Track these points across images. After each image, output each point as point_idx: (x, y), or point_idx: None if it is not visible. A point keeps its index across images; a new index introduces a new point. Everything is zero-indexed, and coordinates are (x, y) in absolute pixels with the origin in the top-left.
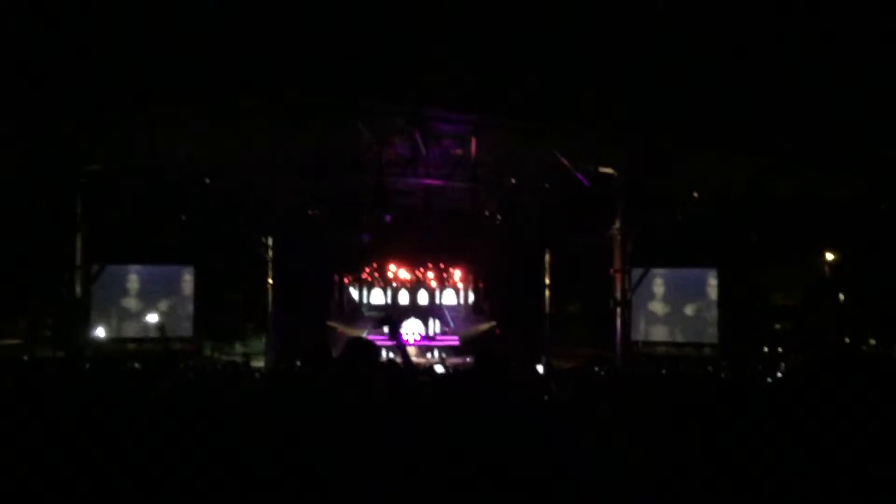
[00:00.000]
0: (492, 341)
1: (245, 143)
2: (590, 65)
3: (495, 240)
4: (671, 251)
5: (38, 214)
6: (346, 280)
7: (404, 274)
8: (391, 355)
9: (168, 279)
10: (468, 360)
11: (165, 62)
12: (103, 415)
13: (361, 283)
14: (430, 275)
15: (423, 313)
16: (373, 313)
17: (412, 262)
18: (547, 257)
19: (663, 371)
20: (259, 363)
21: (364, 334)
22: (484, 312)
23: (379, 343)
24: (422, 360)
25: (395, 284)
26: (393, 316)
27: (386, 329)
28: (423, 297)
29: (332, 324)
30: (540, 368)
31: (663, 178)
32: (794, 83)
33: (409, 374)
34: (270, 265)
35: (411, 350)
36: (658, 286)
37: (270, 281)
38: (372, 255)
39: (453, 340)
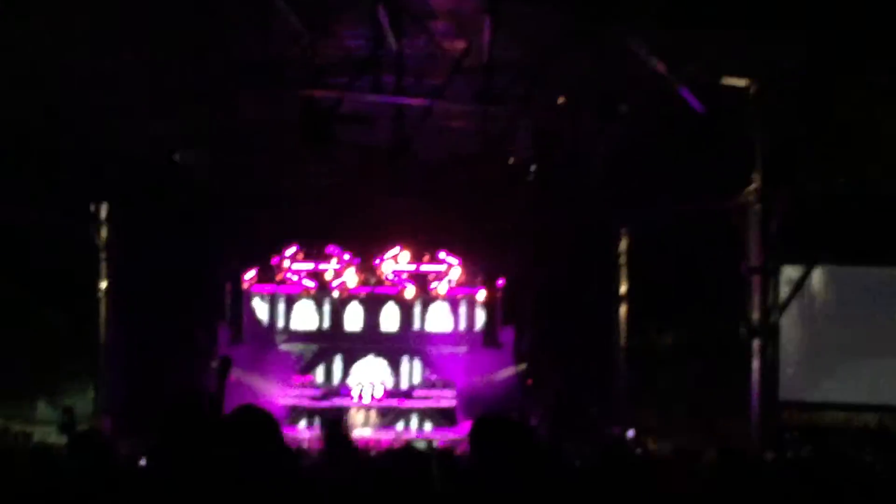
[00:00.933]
0: (517, 403)
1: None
2: None
3: (526, 209)
4: (849, 237)
5: None
6: (247, 284)
7: (353, 275)
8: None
9: None
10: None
11: None
12: None
13: (276, 290)
14: (405, 274)
15: (391, 347)
16: (295, 347)
17: (372, 249)
18: (622, 243)
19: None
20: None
21: (277, 386)
22: (503, 346)
23: (307, 405)
24: (385, 438)
25: (337, 293)
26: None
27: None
28: (389, 318)
29: (217, 362)
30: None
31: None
32: None
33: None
34: (106, 258)
35: (363, 421)
36: (826, 297)
37: (104, 286)
38: (298, 236)
39: (446, 398)
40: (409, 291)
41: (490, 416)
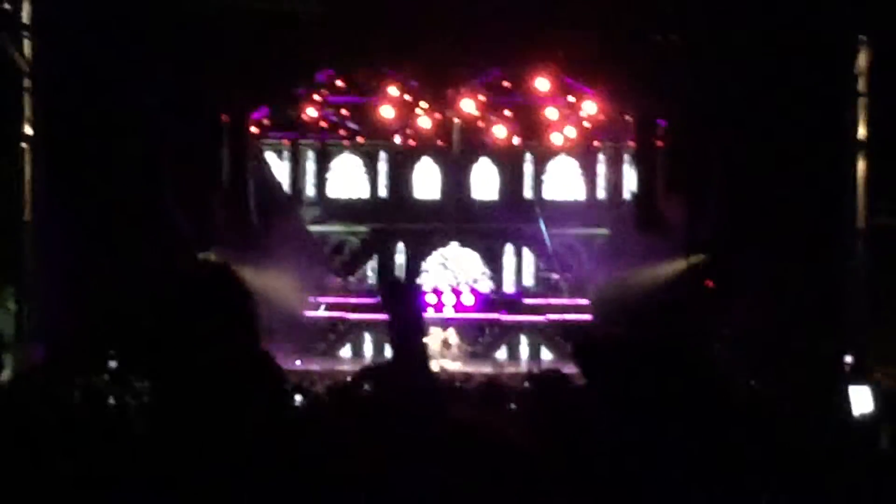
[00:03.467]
0: (690, 318)
1: None
2: None
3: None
4: None
5: None
6: (255, 129)
7: (425, 114)
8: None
9: None
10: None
11: None
12: None
13: (301, 139)
14: (506, 111)
15: (487, 229)
16: (333, 228)
17: (453, 73)
18: (861, 59)
19: None
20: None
21: (304, 291)
22: (668, 226)
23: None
24: (478, 372)
25: (399, 141)
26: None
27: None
28: (483, 181)
29: (211, 256)
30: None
31: None
32: None
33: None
34: (31, 87)
35: (445, 347)
36: None
37: (28, 132)
38: (334, 52)
39: (576, 309)
40: (514, 138)
41: (611, 337)
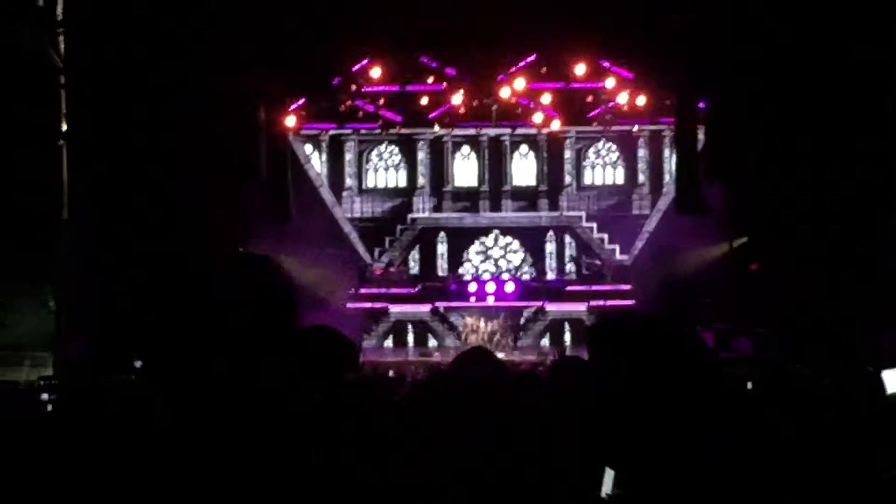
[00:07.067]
0: (735, 304)
1: None
2: None
3: None
4: None
5: None
6: (291, 122)
7: (463, 101)
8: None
9: None
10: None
11: None
12: None
13: (339, 129)
14: (545, 97)
15: (527, 218)
16: (371, 219)
17: (491, 59)
18: None
19: None
20: (43, 370)
21: (344, 282)
22: (710, 208)
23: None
24: (523, 360)
25: (438, 129)
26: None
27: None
28: (523, 167)
29: (250, 249)
30: None
31: None
32: None
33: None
34: (66, 84)
35: (487, 335)
36: None
37: (64, 129)
38: (371, 40)
39: (618, 295)
40: (553, 123)
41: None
